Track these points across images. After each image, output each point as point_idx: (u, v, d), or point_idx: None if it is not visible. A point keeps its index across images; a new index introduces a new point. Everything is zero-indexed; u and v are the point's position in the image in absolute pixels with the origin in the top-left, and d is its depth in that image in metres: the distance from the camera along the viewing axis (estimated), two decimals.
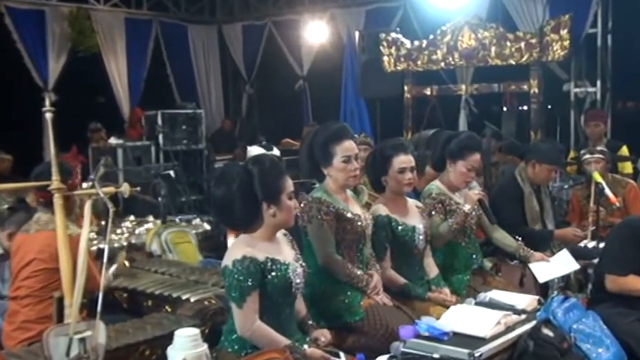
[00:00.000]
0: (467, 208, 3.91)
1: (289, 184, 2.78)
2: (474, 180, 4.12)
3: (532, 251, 4.31)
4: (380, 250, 3.54)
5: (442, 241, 3.88)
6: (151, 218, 5.91)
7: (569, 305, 3.17)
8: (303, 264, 2.90)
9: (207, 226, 5.92)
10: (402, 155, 3.60)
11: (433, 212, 3.90)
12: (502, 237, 4.35)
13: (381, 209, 3.61)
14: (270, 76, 11.73)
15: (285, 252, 2.85)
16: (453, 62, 7.32)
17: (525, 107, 7.64)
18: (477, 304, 3.36)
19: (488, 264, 4.35)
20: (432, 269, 3.77)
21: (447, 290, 3.66)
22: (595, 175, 4.81)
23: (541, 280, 4.20)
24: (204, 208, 8.25)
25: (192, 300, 3.55)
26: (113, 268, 3.78)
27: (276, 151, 5.06)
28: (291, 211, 2.79)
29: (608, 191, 4.68)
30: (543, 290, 4.23)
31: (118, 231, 5.45)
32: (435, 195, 3.96)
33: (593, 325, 3.20)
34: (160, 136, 9.37)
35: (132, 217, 5.98)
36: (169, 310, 3.59)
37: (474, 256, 4.03)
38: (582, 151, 5.41)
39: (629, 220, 4.02)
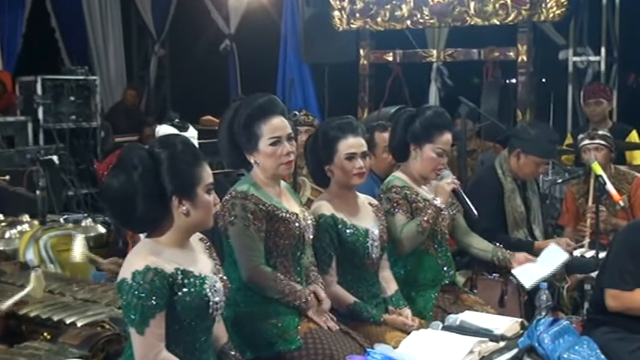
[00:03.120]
0: (438, 201, 3.96)
1: (207, 174, 2.78)
2: (445, 168, 4.16)
3: (513, 253, 4.37)
4: (323, 260, 3.58)
5: (410, 244, 3.92)
6: (26, 218, 5.81)
7: (559, 329, 3.25)
8: (224, 277, 2.90)
9: (102, 229, 5.86)
10: (350, 138, 3.63)
11: (396, 210, 3.96)
12: (476, 242, 4.40)
13: (325, 207, 3.64)
14: (187, 33, 11.64)
15: (201, 262, 2.85)
16: (421, 20, 7.43)
17: (514, 80, 7.78)
18: (444, 328, 3.43)
19: (461, 279, 4.43)
20: (390, 285, 3.81)
21: (408, 311, 3.71)
22: (594, 167, 4.89)
23: (527, 285, 4.27)
24: (98, 204, 8.15)
25: (79, 324, 3.51)
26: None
27: (192, 132, 5.05)
28: (209, 208, 2.79)
29: (610, 187, 4.77)
30: (529, 311, 4.33)
31: None
32: (398, 188, 4.01)
33: (589, 354, 3.29)
34: (40, 110, 9.19)
35: (0, 217, 5.88)
36: (49, 337, 3.55)
37: (445, 269, 4.10)
38: (580, 136, 5.53)
39: (636, 223, 4.15)
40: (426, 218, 3.89)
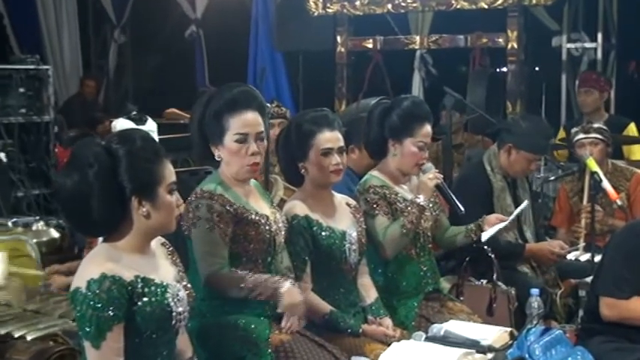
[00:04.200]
0: (421, 199, 3.96)
1: (170, 173, 2.77)
2: (426, 161, 4.15)
3: (484, 217, 4.33)
4: (297, 266, 3.57)
5: (393, 249, 3.93)
6: None
7: (551, 339, 3.28)
8: (189, 285, 2.90)
9: (56, 233, 5.84)
10: (326, 132, 3.64)
11: (376, 212, 3.96)
12: (451, 232, 4.39)
13: (298, 208, 3.64)
14: (150, 18, 11.61)
15: (163, 269, 2.84)
16: (403, 4, 7.44)
17: (504, 69, 7.82)
18: (428, 339, 3.44)
19: (446, 285, 4.44)
20: (369, 292, 3.83)
21: (388, 321, 3.73)
22: (589, 162, 4.92)
23: (484, 237, 4.25)
24: (51, 206, 8.10)
25: (28, 338, 3.49)
26: None
27: (150, 125, 5.04)
28: (171, 210, 2.78)
29: (606, 184, 4.81)
30: (519, 320, 4.35)
31: None
32: (377, 188, 4.02)
33: None
34: None
35: None
36: None
37: (429, 275, 4.12)
38: (574, 130, 5.56)
39: (633, 224, 4.17)
40: (409, 219, 3.89)
